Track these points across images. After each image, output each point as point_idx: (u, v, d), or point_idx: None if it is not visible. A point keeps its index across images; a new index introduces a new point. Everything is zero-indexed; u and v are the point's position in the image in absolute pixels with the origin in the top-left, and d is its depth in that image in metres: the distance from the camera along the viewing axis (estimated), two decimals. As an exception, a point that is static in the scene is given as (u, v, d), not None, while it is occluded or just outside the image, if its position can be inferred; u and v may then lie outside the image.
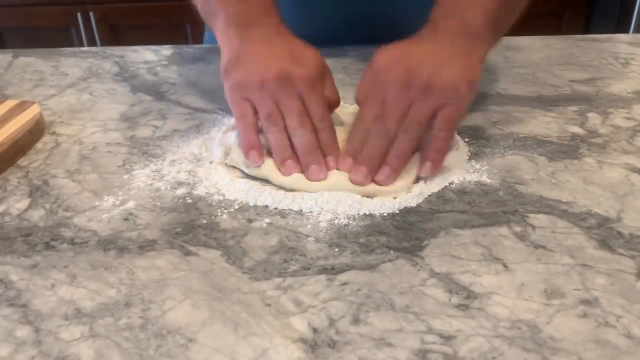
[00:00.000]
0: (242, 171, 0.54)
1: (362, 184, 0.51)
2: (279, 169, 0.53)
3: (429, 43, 0.55)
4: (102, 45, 2.10)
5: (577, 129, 0.62)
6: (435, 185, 0.52)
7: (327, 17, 0.84)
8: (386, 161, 0.52)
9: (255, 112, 0.54)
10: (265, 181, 0.53)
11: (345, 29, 0.85)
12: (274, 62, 0.54)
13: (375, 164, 0.52)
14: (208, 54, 0.86)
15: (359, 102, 0.56)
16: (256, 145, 0.53)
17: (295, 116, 0.53)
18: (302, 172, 0.52)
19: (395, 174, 0.52)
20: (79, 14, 2.07)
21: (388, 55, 0.54)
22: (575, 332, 0.36)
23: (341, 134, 0.56)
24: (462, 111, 0.53)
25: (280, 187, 0.52)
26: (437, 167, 0.52)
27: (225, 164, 0.55)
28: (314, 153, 0.52)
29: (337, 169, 0.53)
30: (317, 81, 0.54)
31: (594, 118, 0.64)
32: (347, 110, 0.62)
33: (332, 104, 0.57)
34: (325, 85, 0.56)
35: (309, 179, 0.52)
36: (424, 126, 0.52)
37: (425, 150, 0.53)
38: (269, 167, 0.53)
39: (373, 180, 0.51)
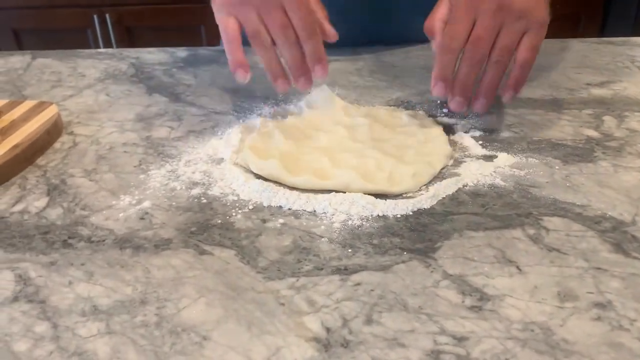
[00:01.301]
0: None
1: (460, 111, 0.56)
2: (274, 85, 0.56)
3: None
4: (117, 46, 2.12)
5: (592, 132, 0.62)
6: (449, 187, 0.52)
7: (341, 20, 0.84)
8: (482, 93, 0.55)
9: (241, 27, 0.56)
10: (279, 182, 0.53)
11: (358, 31, 0.85)
12: None
13: (470, 92, 0.54)
14: (223, 56, 0.86)
15: (432, 30, 0.57)
16: (241, 62, 0.56)
17: (278, 30, 0.54)
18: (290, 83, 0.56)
19: (491, 103, 0.55)
20: (95, 16, 2.09)
21: None
22: (588, 335, 0.36)
23: (341, 131, 0.58)
24: (541, 40, 0.55)
25: (293, 188, 0.52)
26: (517, 94, 0.56)
27: (236, 163, 0.56)
28: (300, 67, 0.55)
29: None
30: None
31: (609, 121, 0.64)
32: (356, 110, 0.62)
33: (322, 16, 0.59)
34: None
35: (299, 89, 0.56)
36: (512, 53, 0.53)
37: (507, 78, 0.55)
38: (278, 168, 0.53)
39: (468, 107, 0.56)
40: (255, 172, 0.54)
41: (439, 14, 0.57)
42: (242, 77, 0.56)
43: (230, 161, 0.56)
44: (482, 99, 0.54)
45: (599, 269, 0.42)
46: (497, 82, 0.54)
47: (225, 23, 0.56)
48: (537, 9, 0.54)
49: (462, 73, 0.53)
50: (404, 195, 0.51)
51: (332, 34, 0.59)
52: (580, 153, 0.57)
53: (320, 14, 0.59)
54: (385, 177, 0.52)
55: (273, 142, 0.56)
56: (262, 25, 0.55)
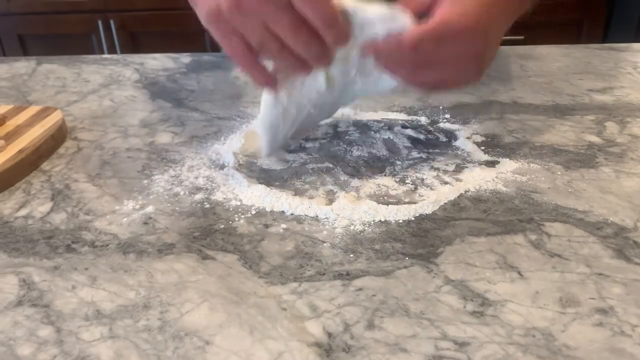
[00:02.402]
0: (260, 171, 0.55)
1: None
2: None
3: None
4: (122, 52, 2.13)
5: (594, 138, 0.62)
6: (451, 193, 0.52)
7: None
8: None
9: (245, 40, 0.47)
10: (282, 187, 0.53)
11: None
12: None
13: None
14: (226, 62, 0.87)
15: None
16: (267, 83, 0.50)
17: (289, 33, 0.45)
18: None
19: None
20: (99, 22, 2.11)
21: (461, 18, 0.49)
22: (590, 340, 0.36)
23: None
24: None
25: (296, 194, 0.52)
26: None
27: (241, 154, 0.57)
28: (317, 52, 0.47)
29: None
30: None
31: (611, 127, 0.64)
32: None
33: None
34: None
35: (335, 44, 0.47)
36: None
37: None
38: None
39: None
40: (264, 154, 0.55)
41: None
42: (274, 91, 0.50)
43: (233, 166, 0.57)
44: None
45: (600, 274, 0.42)
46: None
47: (229, 46, 0.47)
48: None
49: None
50: (406, 201, 0.51)
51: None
52: (582, 159, 0.57)
53: None
54: None
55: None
56: (267, 31, 0.46)
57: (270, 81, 0.50)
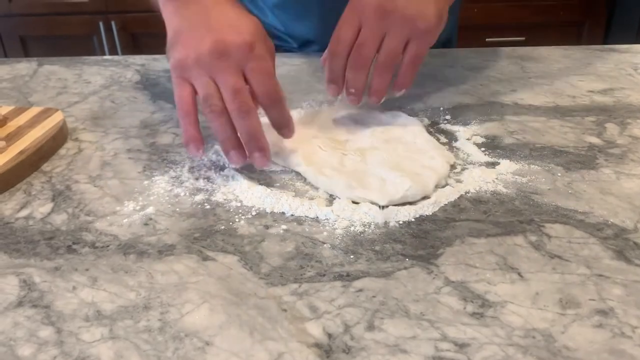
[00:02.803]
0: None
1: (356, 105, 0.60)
2: (227, 158, 0.53)
3: None
4: (123, 53, 2.14)
5: (594, 139, 0.62)
6: (451, 194, 0.52)
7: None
8: (371, 93, 0.58)
9: (195, 95, 0.52)
10: (282, 188, 0.54)
11: None
12: (209, 35, 0.51)
13: (361, 91, 0.58)
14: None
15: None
16: (194, 137, 0.51)
17: (231, 95, 0.50)
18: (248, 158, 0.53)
19: (381, 99, 0.59)
20: (101, 23, 2.11)
21: None
22: (590, 342, 0.36)
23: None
24: (429, 45, 0.58)
25: (296, 195, 0.52)
26: (403, 92, 0.60)
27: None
28: (255, 139, 0.51)
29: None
30: (255, 46, 0.51)
31: (611, 128, 0.64)
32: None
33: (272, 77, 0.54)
34: (266, 48, 0.53)
35: (255, 166, 0.53)
36: (398, 57, 0.56)
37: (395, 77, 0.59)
38: (298, 158, 0.56)
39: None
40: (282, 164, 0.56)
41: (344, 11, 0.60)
42: (194, 152, 0.52)
43: (233, 167, 0.57)
44: (374, 97, 0.59)
45: (601, 276, 0.42)
46: (385, 83, 0.58)
47: (180, 92, 0.51)
48: (423, 17, 0.55)
49: (349, 77, 0.57)
50: (406, 202, 0.51)
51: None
52: (582, 160, 0.58)
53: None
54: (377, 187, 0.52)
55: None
56: (216, 88, 0.50)
57: (197, 136, 0.52)
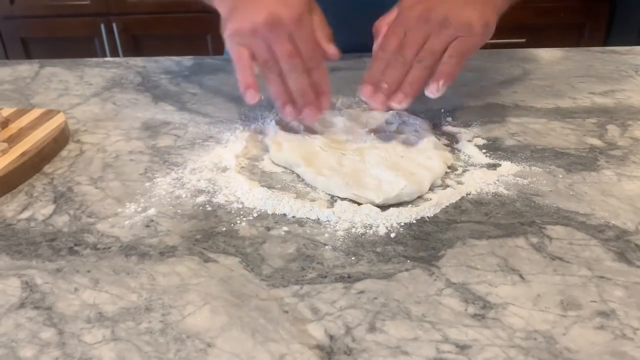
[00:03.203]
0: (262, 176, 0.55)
1: (379, 109, 0.60)
2: (281, 112, 0.59)
3: None
4: (124, 55, 2.14)
5: (595, 141, 0.62)
6: (452, 196, 0.52)
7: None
8: (400, 88, 0.57)
9: (253, 56, 0.58)
10: (284, 190, 0.54)
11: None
12: (263, 8, 0.57)
13: (393, 91, 0.58)
14: (228, 65, 0.87)
15: (378, 32, 0.62)
16: (252, 84, 0.57)
17: (286, 59, 0.57)
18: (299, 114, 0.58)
19: (408, 99, 0.58)
20: (102, 25, 2.11)
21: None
22: (591, 343, 0.36)
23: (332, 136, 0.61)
24: (473, 46, 0.58)
25: (298, 196, 0.52)
26: (441, 88, 0.58)
27: (243, 157, 0.59)
28: (306, 94, 0.58)
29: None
30: (305, 19, 0.58)
31: (612, 130, 0.64)
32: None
33: (325, 36, 0.61)
34: (314, 21, 0.60)
35: (304, 121, 0.60)
36: (437, 56, 0.57)
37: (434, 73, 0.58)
38: (297, 158, 0.56)
39: (389, 108, 0.59)
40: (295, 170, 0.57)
41: (388, 17, 0.62)
42: (252, 98, 0.58)
43: (235, 169, 0.57)
44: (400, 93, 0.58)
45: (602, 277, 0.42)
46: (419, 80, 0.57)
47: (240, 53, 0.58)
48: (469, 20, 0.56)
49: (387, 74, 0.58)
50: (408, 204, 0.51)
51: (334, 53, 0.61)
52: (583, 162, 0.58)
53: (324, 32, 0.61)
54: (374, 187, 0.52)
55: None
56: (271, 54, 0.57)
57: (254, 83, 0.58)
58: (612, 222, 0.48)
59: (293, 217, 0.50)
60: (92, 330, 0.38)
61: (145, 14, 2.10)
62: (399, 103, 0.58)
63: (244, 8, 0.59)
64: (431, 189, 0.53)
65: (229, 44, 0.59)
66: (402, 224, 0.48)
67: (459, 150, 0.61)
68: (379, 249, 0.45)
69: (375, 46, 0.62)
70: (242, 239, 0.47)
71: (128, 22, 2.12)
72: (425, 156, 0.57)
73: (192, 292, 0.41)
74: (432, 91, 0.58)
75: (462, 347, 0.36)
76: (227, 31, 0.59)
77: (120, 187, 0.55)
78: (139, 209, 0.51)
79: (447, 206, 0.51)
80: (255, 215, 0.50)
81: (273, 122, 0.65)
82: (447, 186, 0.54)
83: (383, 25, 0.62)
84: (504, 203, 0.51)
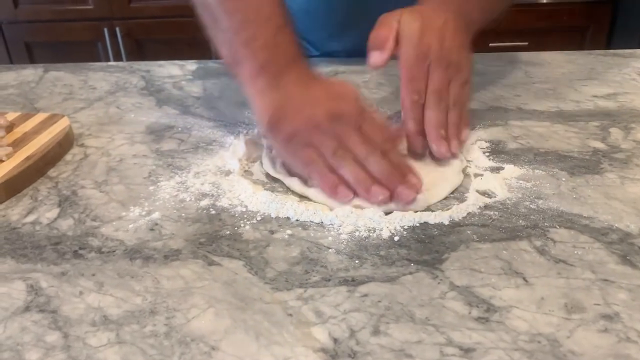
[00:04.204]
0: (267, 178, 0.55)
1: (446, 156, 0.56)
2: (365, 199, 0.51)
3: (442, 11, 0.59)
4: (127, 59, 2.15)
5: (598, 144, 0.62)
6: (458, 212, 0.51)
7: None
8: (453, 134, 0.57)
9: (321, 153, 0.52)
10: (287, 193, 0.54)
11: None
12: (319, 105, 0.53)
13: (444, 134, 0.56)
14: (232, 69, 0.87)
15: (378, 47, 0.58)
16: (339, 181, 0.52)
17: (361, 146, 0.52)
18: (390, 196, 0.51)
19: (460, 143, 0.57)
20: (105, 29, 2.12)
21: (420, 26, 0.56)
22: (595, 346, 0.36)
23: None
24: (468, 82, 0.58)
25: (301, 200, 0.53)
26: (460, 141, 0.56)
27: (247, 161, 0.59)
28: (396, 175, 0.51)
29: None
30: (365, 111, 0.54)
31: (615, 133, 0.64)
32: None
33: (387, 127, 0.56)
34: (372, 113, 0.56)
35: (400, 202, 0.51)
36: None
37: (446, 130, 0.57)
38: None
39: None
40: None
41: (383, 31, 0.57)
42: (347, 195, 0.51)
43: (238, 172, 0.57)
44: (454, 139, 0.56)
45: (605, 280, 0.42)
46: (458, 123, 0.57)
47: (309, 155, 0.52)
48: (466, 59, 0.58)
49: (433, 116, 0.56)
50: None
51: (399, 135, 0.58)
52: (586, 165, 0.58)
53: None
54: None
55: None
56: (343, 145, 0.52)
57: (338, 181, 0.52)
58: (616, 225, 0.48)
59: (297, 220, 0.50)
60: (97, 334, 0.38)
61: (148, 18, 2.11)
62: (456, 149, 0.56)
63: (296, 108, 0.53)
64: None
65: (288, 147, 0.53)
66: (406, 227, 0.49)
67: (462, 153, 0.61)
68: (382, 252, 0.45)
69: (403, 92, 0.57)
70: (246, 243, 0.47)
71: (131, 26, 2.13)
72: (442, 162, 0.57)
73: (197, 295, 0.41)
74: (454, 148, 0.57)
75: (466, 350, 0.36)
76: (282, 134, 0.53)
77: (125, 191, 0.55)
78: (143, 213, 0.51)
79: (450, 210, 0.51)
80: (258, 218, 0.50)
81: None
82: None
83: (387, 41, 0.57)
84: (507, 206, 0.51)
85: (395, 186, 0.51)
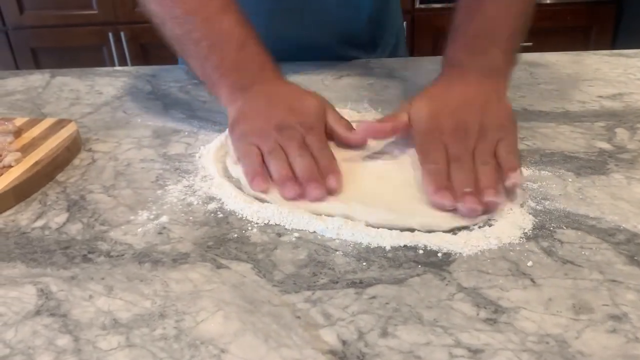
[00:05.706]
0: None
1: (478, 214, 0.49)
2: (280, 192, 0.53)
3: (460, 86, 0.60)
4: (132, 63, 2.16)
5: (604, 145, 0.62)
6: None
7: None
8: (488, 193, 0.50)
9: (260, 153, 0.56)
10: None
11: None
12: (275, 115, 0.58)
13: (475, 191, 0.51)
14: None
15: (393, 131, 0.59)
16: (260, 172, 0.55)
17: (294, 146, 0.56)
18: (302, 193, 0.52)
19: (498, 191, 0.51)
20: (110, 34, 2.13)
21: (430, 110, 0.57)
22: (604, 347, 0.36)
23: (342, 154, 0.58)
24: (515, 141, 0.56)
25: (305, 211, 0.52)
26: (518, 177, 0.52)
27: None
28: (313, 173, 0.53)
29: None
30: (316, 125, 0.58)
31: (621, 133, 0.64)
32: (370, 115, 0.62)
33: (344, 127, 0.60)
34: (329, 118, 0.60)
35: (308, 199, 0.52)
36: (493, 153, 0.54)
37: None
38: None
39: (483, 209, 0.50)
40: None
41: (419, 142, 0.57)
42: (261, 185, 0.54)
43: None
44: (489, 189, 0.50)
45: (613, 281, 0.42)
46: (495, 178, 0.52)
47: (248, 149, 0.57)
48: (496, 118, 0.56)
49: (459, 178, 0.52)
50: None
51: (355, 139, 0.60)
52: (593, 165, 0.58)
53: (342, 124, 0.60)
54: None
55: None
56: (280, 147, 0.56)
57: (261, 172, 0.55)
58: (623, 225, 0.48)
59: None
60: (107, 337, 0.38)
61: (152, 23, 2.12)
62: (494, 196, 0.50)
63: (255, 114, 0.60)
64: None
65: (236, 143, 0.59)
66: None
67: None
68: (389, 255, 0.46)
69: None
70: (253, 245, 0.47)
71: (136, 30, 2.14)
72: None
73: (205, 298, 0.42)
74: (513, 183, 0.52)
75: (475, 352, 0.36)
76: (236, 133, 0.59)
77: (132, 195, 0.55)
78: (152, 217, 0.52)
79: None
80: (266, 221, 0.50)
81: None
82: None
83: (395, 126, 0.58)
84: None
85: (310, 182, 0.53)
